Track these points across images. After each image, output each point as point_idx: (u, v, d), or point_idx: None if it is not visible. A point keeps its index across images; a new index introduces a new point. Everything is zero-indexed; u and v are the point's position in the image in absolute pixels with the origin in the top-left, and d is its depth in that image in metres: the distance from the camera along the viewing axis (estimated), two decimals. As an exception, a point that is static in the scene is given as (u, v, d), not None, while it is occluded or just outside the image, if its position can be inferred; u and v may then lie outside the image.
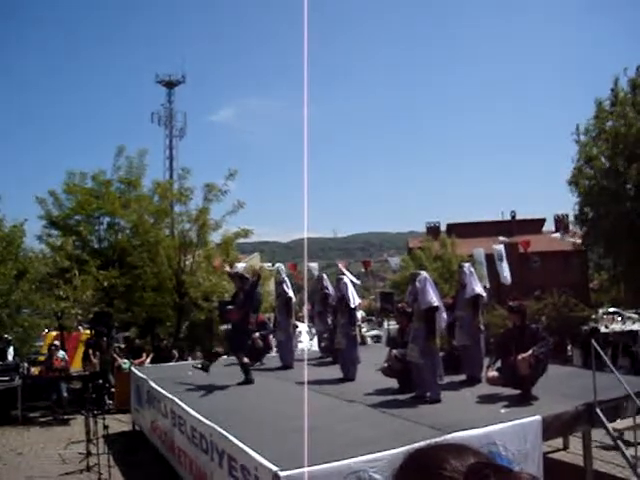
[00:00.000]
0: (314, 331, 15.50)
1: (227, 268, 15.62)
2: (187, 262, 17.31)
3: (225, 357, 10.72)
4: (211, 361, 9.11)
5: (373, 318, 39.12)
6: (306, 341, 17.32)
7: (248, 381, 8.69)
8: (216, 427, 5.74)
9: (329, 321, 10.87)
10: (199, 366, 9.02)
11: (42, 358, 14.63)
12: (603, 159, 16.47)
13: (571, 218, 19.23)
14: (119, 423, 11.07)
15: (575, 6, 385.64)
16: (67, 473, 8.20)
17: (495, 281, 21.32)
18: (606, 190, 16.15)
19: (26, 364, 13.78)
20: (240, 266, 18.73)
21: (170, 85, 53.00)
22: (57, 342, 14.85)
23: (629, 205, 15.96)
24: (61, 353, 13.41)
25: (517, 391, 6.85)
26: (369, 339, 21.91)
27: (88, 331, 15.88)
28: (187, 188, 17.55)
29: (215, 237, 18.04)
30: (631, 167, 15.46)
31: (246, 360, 8.87)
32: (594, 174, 16.38)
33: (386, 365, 7.82)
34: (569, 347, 17.98)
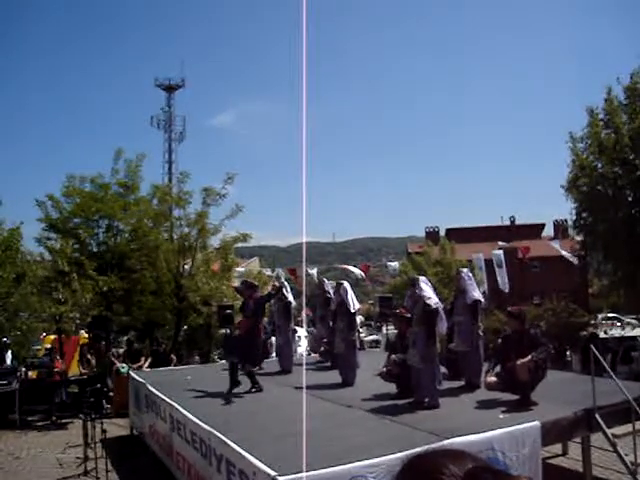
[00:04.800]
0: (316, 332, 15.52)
1: (234, 284, 15.59)
2: (186, 266, 17.31)
3: (223, 362, 10.68)
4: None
5: (372, 323, 39.15)
6: (304, 345, 17.35)
7: (256, 388, 8.41)
8: (214, 431, 5.73)
9: (331, 325, 10.84)
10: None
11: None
12: (599, 165, 16.55)
13: (570, 223, 19.28)
14: (117, 427, 11.04)
15: (579, 7, 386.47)
16: (65, 477, 8.17)
17: (494, 286, 21.39)
18: (603, 196, 16.22)
19: (24, 368, 13.75)
20: (239, 271, 18.77)
21: (169, 89, 53.12)
22: (49, 346, 14.88)
23: (627, 210, 16.01)
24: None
25: (516, 396, 6.84)
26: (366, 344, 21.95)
27: (87, 335, 15.90)
28: (186, 192, 17.58)
29: (214, 241, 18.06)
30: (626, 173, 15.53)
31: (251, 369, 8.58)
32: (589, 181, 16.45)
33: (385, 370, 7.82)
34: (568, 353, 17.99)
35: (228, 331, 9.11)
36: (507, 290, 20.80)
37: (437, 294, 7.41)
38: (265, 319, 12.18)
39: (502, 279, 21.21)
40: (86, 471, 8.16)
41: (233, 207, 17.42)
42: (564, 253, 18.26)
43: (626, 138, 15.71)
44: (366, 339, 26.01)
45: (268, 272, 22.30)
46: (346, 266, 25.46)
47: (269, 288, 12.06)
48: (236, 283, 14.97)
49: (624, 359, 15.02)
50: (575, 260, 17.73)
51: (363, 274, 24.09)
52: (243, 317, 8.92)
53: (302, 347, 16.82)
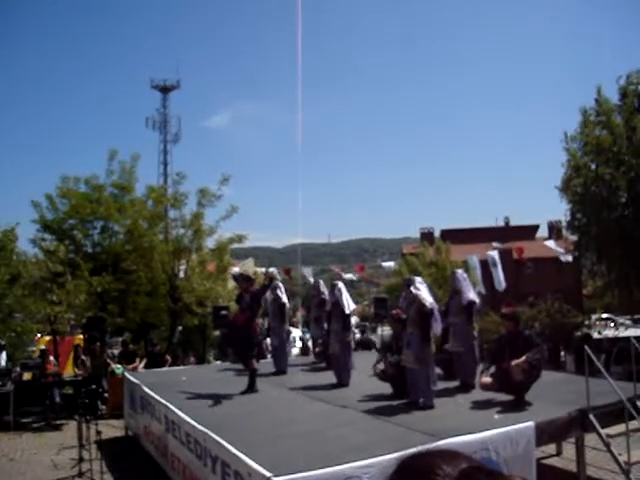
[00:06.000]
0: (308, 336, 15.56)
1: (232, 270, 15.57)
2: (181, 267, 17.29)
3: (218, 362, 10.64)
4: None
5: (367, 324, 39.19)
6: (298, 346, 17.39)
7: (252, 390, 8.35)
8: (209, 432, 5.73)
9: (325, 326, 10.83)
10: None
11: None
12: (592, 166, 16.61)
13: (564, 224, 19.36)
14: (112, 429, 11.01)
15: (575, 7, 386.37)
16: (60, 479, 8.15)
17: (489, 287, 21.43)
18: (596, 197, 16.28)
19: (18, 369, 13.71)
20: (235, 270, 18.77)
21: (165, 90, 53.06)
22: (43, 347, 14.82)
23: (620, 211, 16.08)
24: (50, 358, 13.36)
25: (510, 397, 6.87)
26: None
27: (81, 336, 15.85)
28: (182, 193, 17.56)
29: (209, 242, 18.06)
30: (619, 174, 15.60)
31: (256, 366, 8.50)
32: (584, 181, 16.51)
33: (380, 369, 7.84)
34: (562, 353, 18.04)
35: (233, 331, 8.89)
36: (502, 288, 20.86)
37: (432, 295, 7.43)
38: (260, 320, 12.17)
39: (497, 279, 21.28)
40: (81, 472, 8.14)
41: (228, 208, 17.46)
42: (560, 250, 18.38)
43: (622, 139, 15.75)
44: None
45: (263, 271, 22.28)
46: (337, 270, 25.72)
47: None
48: (233, 271, 15.02)
49: (617, 359, 15.06)
50: (570, 258, 17.87)
51: (354, 276, 24.26)
52: (239, 310, 8.91)
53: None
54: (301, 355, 14.87)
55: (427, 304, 6.87)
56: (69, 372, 14.56)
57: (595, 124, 16.60)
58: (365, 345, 15.79)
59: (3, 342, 13.94)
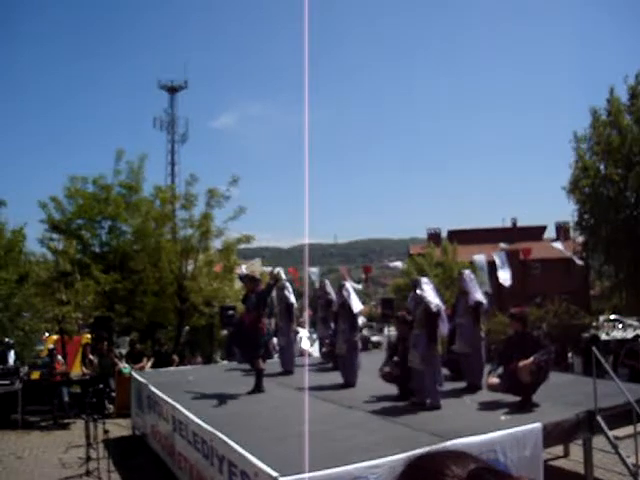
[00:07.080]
0: (315, 336, 15.54)
1: (238, 270, 15.61)
2: (189, 267, 17.32)
3: (225, 362, 10.65)
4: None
5: (374, 324, 39.19)
6: (307, 346, 17.35)
7: (258, 390, 8.37)
8: (216, 432, 5.74)
9: (332, 326, 10.83)
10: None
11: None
12: (601, 167, 16.54)
13: (572, 224, 19.29)
14: (119, 428, 11.05)
15: (579, 6, 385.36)
16: (67, 477, 8.18)
17: (496, 288, 21.32)
18: (604, 197, 16.21)
19: (27, 368, 13.76)
20: (241, 270, 18.78)
21: (172, 90, 53.18)
22: (52, 346, 14.87)
23: (628, 212, 16.01)
24: (58, 358, 13.40)
25: (518, 398, 6.84)
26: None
27: (89, 335, 15.90)
28: (191, 194, 17.58)
29: (217, 243, 18.08)
30: (629, 174, 15.52)
31: (262, 367, 8.50)
32: (592, 182, 16.44)
33: (387, 370, 7.82)
34: (570, 354, 17.95)
35: (240, 331, 8.89)
36: (508, 284, 20.74)
37: (439, 295, 7.41)
38: (266, 320, 12.17)
39: (504, 276, 21.13)
40: (88, 471, 8.16)
41: (236, 209, 17.48)
42: (567, 253, 18.34)
43: (633, 139, 15.65)
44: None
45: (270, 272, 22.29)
46: (343, 272, 25.73)
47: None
48: (240, 271, 15.03)
49: (627, 360, 14.96)
50: (578, 261, 17.88)
51: (359, 285, 24.22)
52: (245, 311, 8.95)
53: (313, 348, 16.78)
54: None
55: (432, 306, 6.86)
56: (77, 371, 14.60)
57: (606, 124, 16.51)
58: (362, 344, 15.64)
59: (11, 341, 14.00)
